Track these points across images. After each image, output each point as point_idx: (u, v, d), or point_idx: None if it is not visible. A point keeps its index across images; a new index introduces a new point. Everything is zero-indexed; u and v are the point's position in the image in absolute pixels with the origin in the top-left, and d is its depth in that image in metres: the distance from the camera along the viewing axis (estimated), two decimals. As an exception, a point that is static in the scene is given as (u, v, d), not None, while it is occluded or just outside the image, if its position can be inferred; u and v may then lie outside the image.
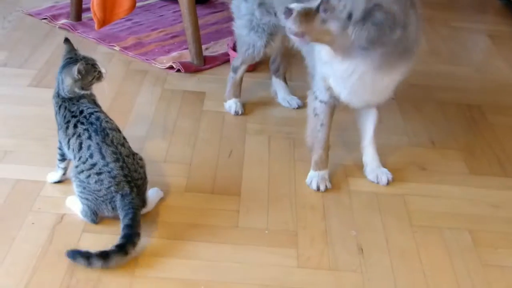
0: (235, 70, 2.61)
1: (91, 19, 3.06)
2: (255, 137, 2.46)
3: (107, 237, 1.87)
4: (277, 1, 2.32)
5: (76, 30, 3.22)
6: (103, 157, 1.86)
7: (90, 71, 1.98)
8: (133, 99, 2.66)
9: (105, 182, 1.85)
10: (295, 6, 1.89)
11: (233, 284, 1.78)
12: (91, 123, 1.90)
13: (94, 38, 3.14)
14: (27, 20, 3.34)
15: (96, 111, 1.94)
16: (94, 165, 1.86)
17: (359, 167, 2.30)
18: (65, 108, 1.96)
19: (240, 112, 2.59)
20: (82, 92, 1.98)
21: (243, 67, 2.61)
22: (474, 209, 2.15)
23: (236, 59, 2.61)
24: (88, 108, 1.94)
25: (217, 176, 2.22)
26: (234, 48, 2.97)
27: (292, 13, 1.88)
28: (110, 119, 1.96)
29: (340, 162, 2.33)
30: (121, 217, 1.84)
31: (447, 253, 1.95)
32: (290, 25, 1.90)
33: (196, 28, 2.91)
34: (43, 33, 3.19)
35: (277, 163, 2.31)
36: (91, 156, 1.87)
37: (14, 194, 2.05)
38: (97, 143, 1.87)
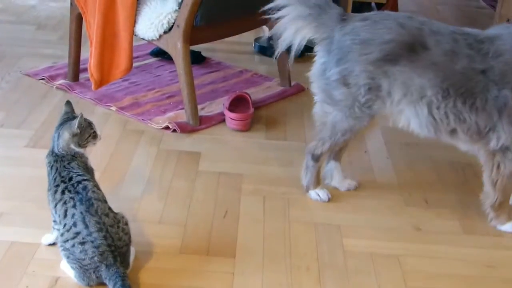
0: (316, 159, 2.43)
1: (88, 80, 3.11)
2: (250, 198, 2.46)
3: (101, 301, 1.87)
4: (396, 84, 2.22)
5: (74, 90, 3.26)
6: (87, 227, 1.86)
7: (87, 129, 2.02)
8: (129, 159, 2.68)
9: (89, 252, 1.85)
10: None
11: None
12: (77, 192, 1.90)
13: (91, 99, 3.18)
14: (24, 80, 3.38)
15: (85, 179, 1.94)
16: (78, 233, 1.86)
17: (354, 227, 2.31)
18: (56, 169, 1.98)
19: (330, 197, 2.48)
20: (77, 149, 2.00)
21: (327, 154, 2.49)
22: (469, 270, 2.15)
23: (319, 147, 2.41)
24: (78, 175, 1.95)
25: (212, 237, 2.22)
26: (229, 108, 3.01)
27: None
28: (98, 189, 1.96)
29: (334, 222, 2.34)
30: (110, 287, 1.84)
31: (443, 315, 1.95)
32: None
33: (191, 88, 2.96)
34: (40, 94, 3.23)
35: (272, 223, 2.32)
36: (74, 224, 1.87)
37: (8, 256, 2.05)
38: (81, 212, 1.87)
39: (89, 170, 2.04)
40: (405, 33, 2.17)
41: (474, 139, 2.25)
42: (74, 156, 2.01)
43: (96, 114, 3.05)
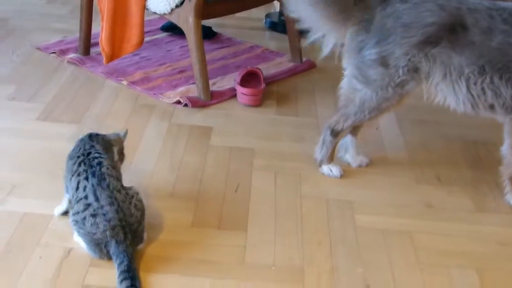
0: (336, 134, 2.43)
1: (100, 54, 3.10)
2: (261, 172, 2.46)
3: (114, 272, 1.86)
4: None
5: (84, 64, 3.26)
6: (97, 199, 1.87)
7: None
8: (140, 134, 2.68)
9: (101, 226, 1.85)
10: None
11: (239, 321, 1.78)
12: (91, 166, 1.94)
13: (102, 73, 3.17)
14: (35, 54, 3.38)
15: (101, 157, 1.97)
16: (89, 205, 1.87)
17: (366, 203, 2.31)
18: (82, 139, 2.05)
19: (342, 174, 2.47)
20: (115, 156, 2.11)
21: (348, 130, 2.48)
22: (481, 247, 2.14)
23: (340, 123, 2.40)
24: (96, 152, 1.99)
25: (223, 211, 2.22)
26: (241, 83, 3.00)
27: None
28: (113, 168, 1.98)
29: (346, 198, 2.33)
30: (116, 264, 1.85)
31: (455, 291, 1.94)
32: None
33: (203, 63, 2.94)
34: (51, 67, 3.22)
35: (284, 198, 2.32)
36: (86, 197, 1.88)
37: (21, 227, 2.06)
38: (92, 185, 1.89)
39: (107, 150, 2.06)
40: (446, 15, 2.17)
41: (508, 112, 2.25)
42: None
43: (107, 88, 3.04)
